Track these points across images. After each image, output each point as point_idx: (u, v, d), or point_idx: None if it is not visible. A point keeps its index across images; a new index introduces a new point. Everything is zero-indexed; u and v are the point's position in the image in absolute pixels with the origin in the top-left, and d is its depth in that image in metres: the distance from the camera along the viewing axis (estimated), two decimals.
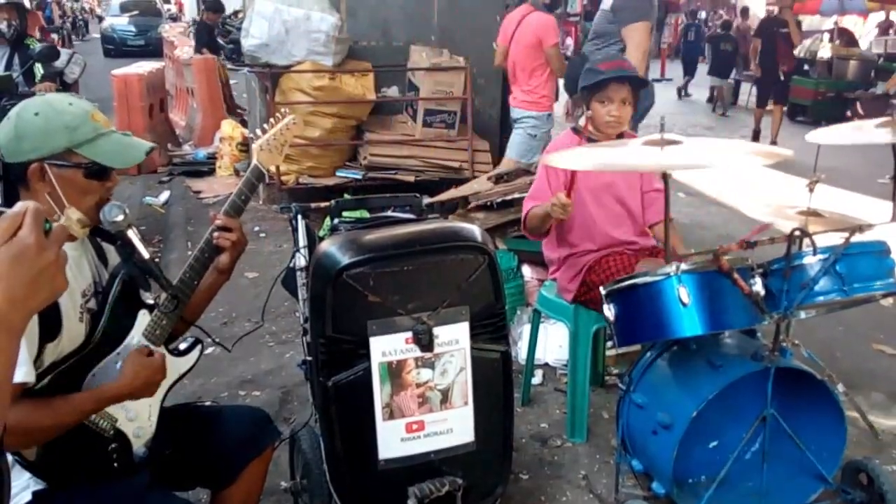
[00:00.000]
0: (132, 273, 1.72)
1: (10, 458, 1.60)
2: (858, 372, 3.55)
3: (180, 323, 1.87)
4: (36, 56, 4.50)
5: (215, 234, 1.85)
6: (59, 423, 1.57)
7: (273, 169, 5.23)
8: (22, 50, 4.57)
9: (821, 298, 2.15)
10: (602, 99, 2.74)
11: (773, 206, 2.64)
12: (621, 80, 2.73)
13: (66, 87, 4.72)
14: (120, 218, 1.64)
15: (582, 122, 2.85)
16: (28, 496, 1.62)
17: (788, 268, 2.10)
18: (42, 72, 4.54)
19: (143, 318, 1.77)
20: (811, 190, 2.56)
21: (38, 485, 1.65)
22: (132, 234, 1.67)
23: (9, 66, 4.55)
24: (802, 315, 2.34)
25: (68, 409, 1.58)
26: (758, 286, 2.12)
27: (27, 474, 1.64)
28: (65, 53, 4.78)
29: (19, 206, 0.90)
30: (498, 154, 6.29)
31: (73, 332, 1.65)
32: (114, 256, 1.83)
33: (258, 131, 1.99)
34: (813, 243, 2.12)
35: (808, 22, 17.54)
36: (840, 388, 2.45)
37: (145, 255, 1.68)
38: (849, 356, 3.73)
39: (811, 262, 2.13)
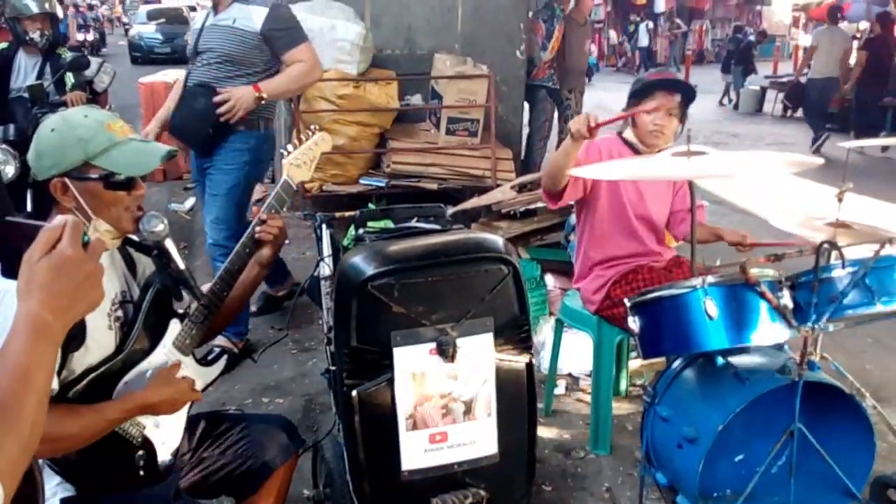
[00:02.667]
0: (166, 283, 1.74)
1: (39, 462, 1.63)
2: (888, 385, 3.49)
3: (208, 331, 1.90)
4: (67, 65, 4.56)
5: (258, 227, 1.88)
6: (86, 430, 1.58)
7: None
8: (53, 59, 4.64)
9: (850, 312, 2.12)
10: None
11: (802, 217, 2.60)
12: (670, 90, 2.70)
13: (95, 95, 4.78)
14: (160, 228, 1.68)
15: (627, 134, 2.81)
16: (56, 503, 1.64)
17: (817, 280, 2.07)
18: (73, 81, 4.60)
19: (174, 328, 1.80)
20: (840, 199, 2.53)
21: (66, 492, 1.67)
22: (169, 245, 1.70)
23: (40, 76, 4.61)
24: (831, 328, 2.31)
25: (95, 417, 1.60)
26: (786, 299, 2.10)
27: (56, 479, 1.66)
28: (95, 63, 4.83)
29: (59, 219, 0.93)
30: (521, 163, 6.29)
31: (102, 340, 1.68)
32: (143, 266, 1.85)
33: (290, 147, 2.03)
34: (842, 256, 2.09)
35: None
36: (869, 401, 2.41)
37: (181, 265, 1.71)
38: (878, 369, 3.67)
39: (840, 274, 2.09)
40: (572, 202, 2.92)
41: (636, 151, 2.77)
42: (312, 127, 2.13)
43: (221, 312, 1.89)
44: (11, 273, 0.94)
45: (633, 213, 2.80)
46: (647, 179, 2.77)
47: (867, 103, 9.77)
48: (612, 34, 24.75)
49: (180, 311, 1.84)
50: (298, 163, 2.02)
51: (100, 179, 1.63)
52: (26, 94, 4.46)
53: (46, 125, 1.66)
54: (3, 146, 3.93)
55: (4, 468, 0.82)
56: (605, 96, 13.94)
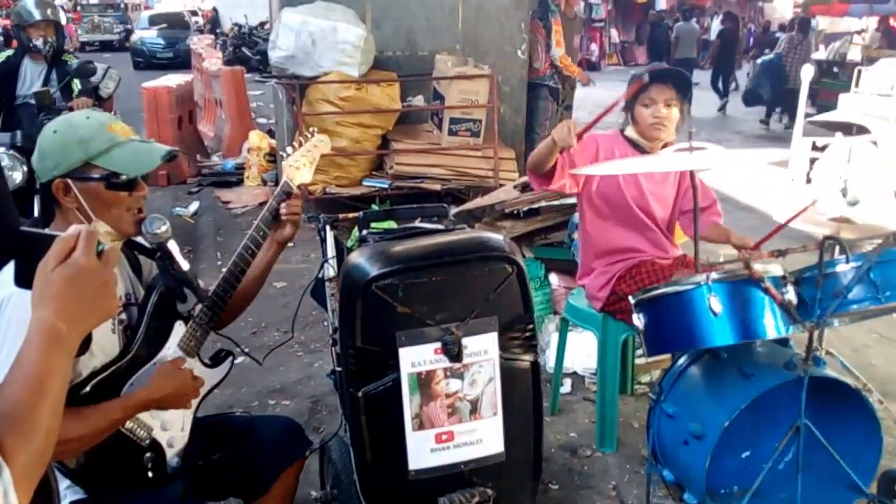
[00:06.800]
0: (170, 284, 1.75)
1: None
2: (894, 380, 3.49)
3: (221, 320, 1.92)
4: (73, 72, 4.59)
5: (283, 205, 1.94)
6: (91, 431, 1.58)
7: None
8: (59, 66, 4.67)
9: (854, 307, 2.11)
10: (645, 101, 2.71)
11: (805, 213, 2.61)
12: (664, 80, 2.70)
13: (101, 101, 4.80)
14: (162, 230, 1.69)
15: (629, 132, 2.81)
16: None
17: (821, 276, 2.07)
18: (79, 87, 4.62)
19: (179, 329, 1.80)
20: (844, 195, 2.54)
21: (75, 494, 1.68)
22: (172, 246, 1.71)
23: (46, 82, 4.64)
24: (836, 323, 2.30)
25: (99, 417, 1.60)
26: (790, 294, 2.10)
27: (66, 482, 1.67)
28: (100, 68, 4.85)
29: (73, 228, 0.94)
30: (523, 163, 6.29)
31: (107, 344, 1.68)
32: (149, 269, 1.86)
33: (289, 149, 2.04)
34: (845, 251, 2.09)
35: (841, 23, 17.42)
36: (875, 397, 2.41)
37: (185, 266, 1.72)
38: (884, 364, 3.66)
39: (844, 269, 2.09)
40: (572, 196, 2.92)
41: (639, 149, 2.76)
42: (311, 129, 2.14)
43: (238, 294, 1.92)
44: (26, 283, 0.94)
45: (635, 208, 2.80)
46: (647, 174, 2.78)
47: (723, 75, 14.23)
48: (614, 32, 24.66)
49: (185, 313, 1.84)
50: (297, 165, 2.04)
51: (101, 180, 1.65)
52: (33, 101, 4.49)
53: (49, 127, 1.68)
54: (11, 152, 3.95)
55: (20, 478, 0.82)
56: (607, 97, 13.91)
